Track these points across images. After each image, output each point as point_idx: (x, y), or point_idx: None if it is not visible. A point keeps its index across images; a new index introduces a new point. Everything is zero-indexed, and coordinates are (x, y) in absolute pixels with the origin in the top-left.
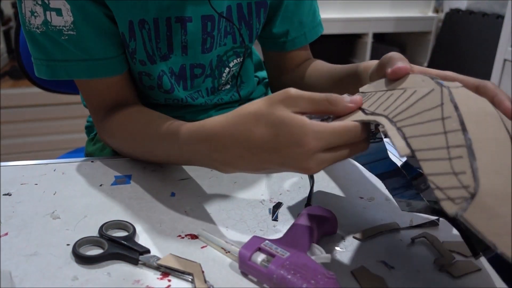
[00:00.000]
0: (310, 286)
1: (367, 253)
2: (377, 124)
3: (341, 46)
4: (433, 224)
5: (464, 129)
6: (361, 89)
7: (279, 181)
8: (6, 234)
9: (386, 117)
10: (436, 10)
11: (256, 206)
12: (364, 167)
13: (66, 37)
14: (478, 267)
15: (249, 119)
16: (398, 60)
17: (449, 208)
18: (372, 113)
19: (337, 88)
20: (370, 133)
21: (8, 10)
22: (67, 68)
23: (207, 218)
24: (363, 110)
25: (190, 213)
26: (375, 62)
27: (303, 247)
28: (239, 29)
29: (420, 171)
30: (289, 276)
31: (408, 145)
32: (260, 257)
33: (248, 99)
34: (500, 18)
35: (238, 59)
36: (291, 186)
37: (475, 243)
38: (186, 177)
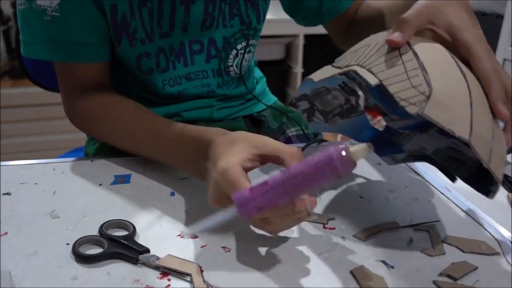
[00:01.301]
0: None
1: (367, 253)
2: (357, 95)
3: None
4: (432, 224)
5: (417, 56)
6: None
7: None
8: (6, 233)
9: (358, 65)
10: None
11: None
12: (353, 139)
13: (49, 17)
14: (475, 266)
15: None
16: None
17: (412, 109)
18: (346, 66)
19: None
20: (352, 107)
21: (7, 10)
22: (48, 46)
23: (207, 218)
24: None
25: (190, 213)
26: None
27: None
28: (245, 11)
29: (400, 130)
30: (293, 168)
31: (376, 77)
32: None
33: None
34: (499, 17)
35: (246, 41)
36: None
37: (451, 171)
38: (186, 176)
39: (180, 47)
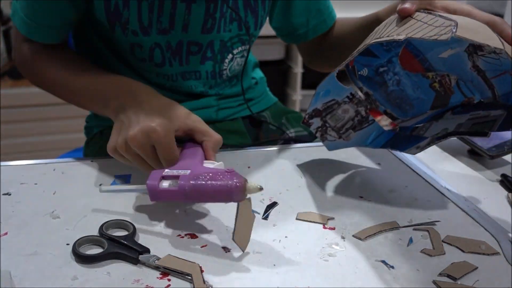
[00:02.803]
0: (224, 179)
1: (367, 253)
2: (365, 105)
3: None
4: (432, 224)
5: (429, 12)
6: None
7: (279, 180)
8: (6, 233)
9: (376, 39)
10: None
11: (255, 205)
12: (368, 146)
13: None
14: (475, 266)
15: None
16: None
17: (445, 36)
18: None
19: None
20: (362, 118)
21: (7, 10)
22: (22, 20)
23: (207, 218)
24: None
25: (190, 213)
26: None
27: (198, 163)
28: (244, 17)
29: (415, 126)
30: (200, 182)
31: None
32: (166, 183)
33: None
34: (499, 17)
35: (243, 47)
36: (290, 185)
37: (482, 130)
38: None
39: (178, 46)
